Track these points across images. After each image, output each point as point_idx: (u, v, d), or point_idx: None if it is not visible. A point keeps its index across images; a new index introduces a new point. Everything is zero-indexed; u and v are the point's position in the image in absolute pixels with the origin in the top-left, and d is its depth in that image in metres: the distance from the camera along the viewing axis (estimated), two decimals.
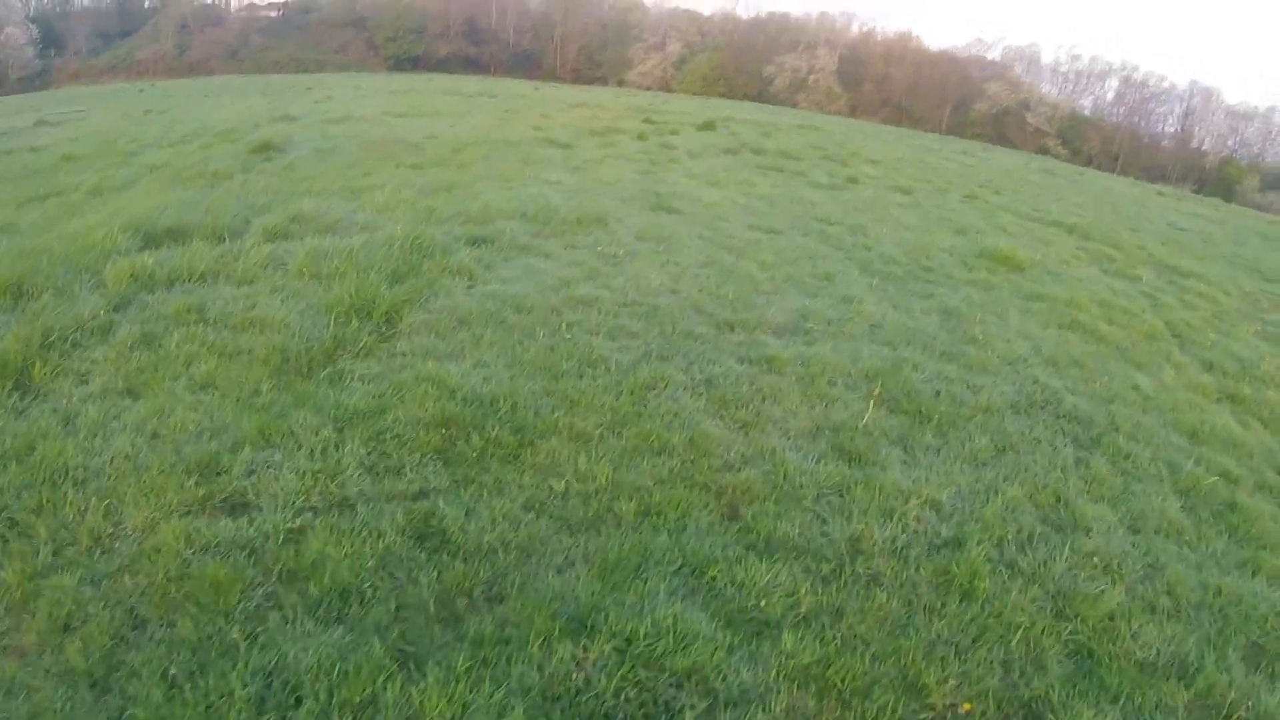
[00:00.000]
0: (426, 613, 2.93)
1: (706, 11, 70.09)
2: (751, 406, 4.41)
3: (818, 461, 4.01)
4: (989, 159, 30.57)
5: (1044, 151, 53.76)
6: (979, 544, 3.54)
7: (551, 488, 3.61)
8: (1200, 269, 11.35)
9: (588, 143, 14.27)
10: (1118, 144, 60.64)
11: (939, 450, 4.37)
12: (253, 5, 43.57)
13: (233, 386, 4.27)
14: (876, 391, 4.80)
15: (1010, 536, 3.70)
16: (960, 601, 3.18)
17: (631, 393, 4.38)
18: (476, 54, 51.65)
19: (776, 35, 62.62)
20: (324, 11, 45.92)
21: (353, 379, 4.37)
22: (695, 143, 16.31)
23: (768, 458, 3.98)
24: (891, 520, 3.58)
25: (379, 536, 3.26)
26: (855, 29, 69.91)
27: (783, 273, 6.97)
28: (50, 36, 35.80)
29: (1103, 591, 3.43)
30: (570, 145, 13.50)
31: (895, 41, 67.42)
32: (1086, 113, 65.81)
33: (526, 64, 54.41)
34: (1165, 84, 65.71)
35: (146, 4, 39.44)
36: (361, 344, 4.73)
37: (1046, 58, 70.94)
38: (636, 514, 3.46)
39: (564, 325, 5.15)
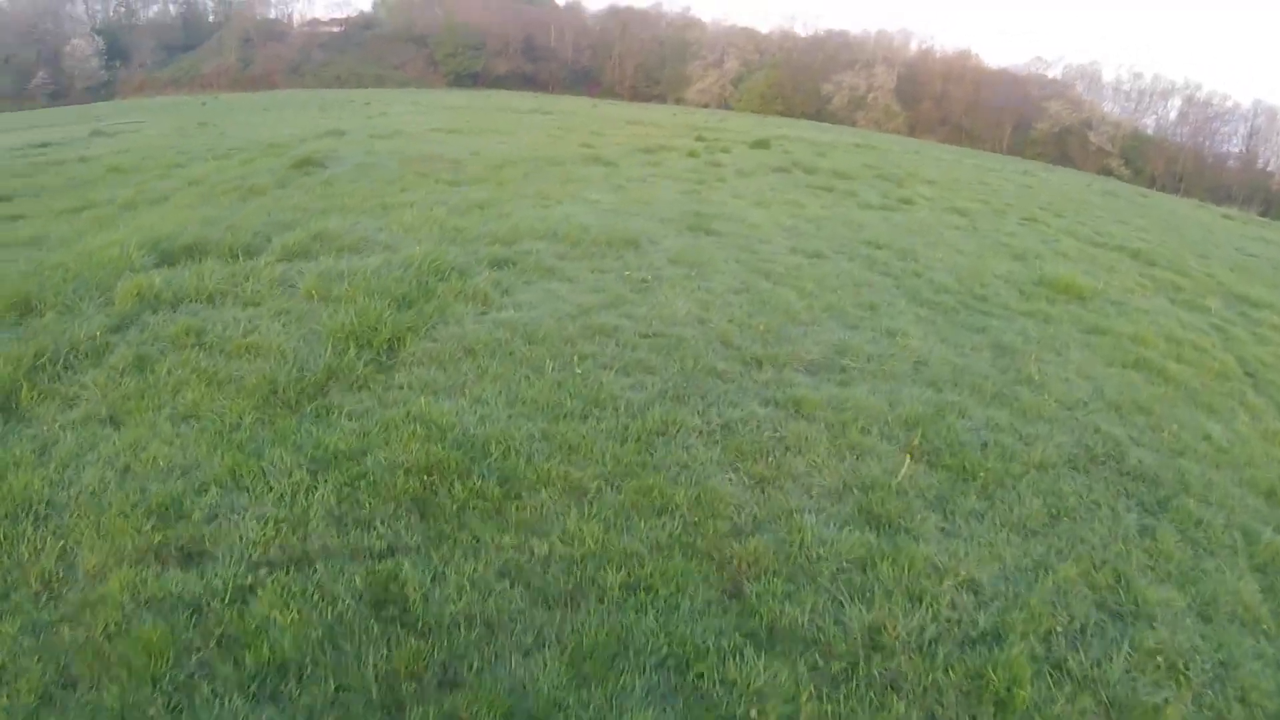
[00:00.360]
0: (368, 698, 2.60)
1: (765, 29, 70.01)
2: (771, 458, 3.98)
3: (841, 528, 3.55)
4: (1049, 180, 29.34)
5: (1106, 172, 52.45)
6: (1022, 638, 3.04)
7: (533, 550, 3.25)
8: (1272, 298, 10.39)
9: (635, 161, 13.99)
10: (1181, 164, 58.67)
11: (983, 516, 3.85)
12: (315, 21, 45.07)
13: (215, 418, 4.05)
14: (916, 442, 4.31)
15: (1060, 628, 3.18)
16: (994, 715, 2.69)
17: (638, 439, 3.99)
18: (535, 71, 52.33)
19: (835, 53, 62.25)
20: (385, 28, 47.19)
21: (340, 414, 4.11)
22: (746, 161, 15.88)
23: (783, 521, 3.54)
24: (920, 605, 3.10)
25: (333, 602, 2.95)
26: (914, 47, 69.54)
27: (822, 302, 6.50)
28: (116, 48, 37.33)
29: (1166, 701, 2.89)
30: (616, 163, 13.23)
31: (954, 59, 66.90)
32: (1149, 132, 63.96)
33: (585, 81, 54.84)
34: (1229, 103, 63.55)
35: (211, 18, 41.00)
36: (356, 375, 4.47)
37: (1108, 76, 69.16)
38: (623, 587, 3.06)
39: (576, 358, 4.81)
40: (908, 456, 4.13)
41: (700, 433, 4.13)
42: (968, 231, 11.43)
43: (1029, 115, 59.90)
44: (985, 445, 4.48)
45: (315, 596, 3.01)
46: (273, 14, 41.42)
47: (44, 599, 3.07)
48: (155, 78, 35.97)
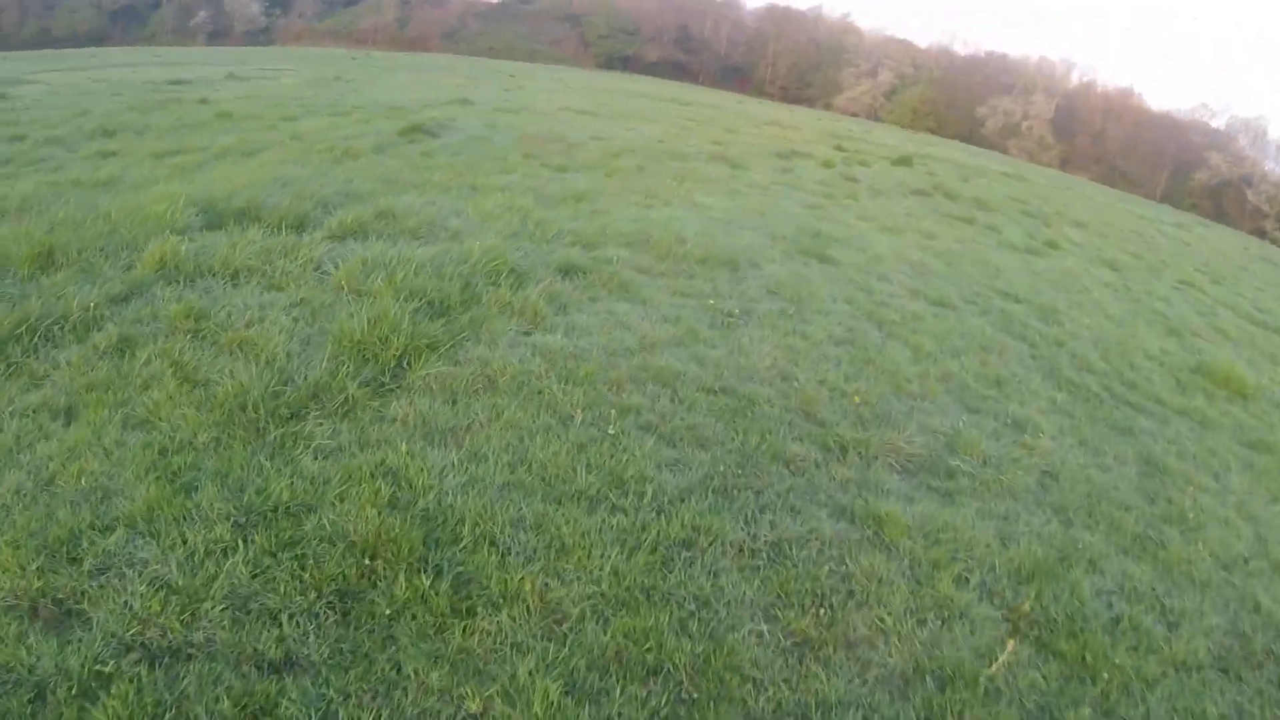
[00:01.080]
0: None
1: (923, 43, 67.77)
2: (825, 608, 2.93)
3: None
4: (1206, 236, 26.12)
5: (1260, 234, 47.90)
6: None
7: (460, 706, 2.40)
8: None
9: (764, 165, 12.85)
10: None
11: None
12: None
13: (166, 431, 3.45)
14: (1026, 607, 3.14)
15: None
16: None
17: (654, 549, 3.05)
18: (687, 61, 51.67)
19: (993, 75, 59.84)
20: (541, 4, 47.59)
21: (306, 449, 3.40)
22: (884, 179, 14.38)
23: None
24: None
25: None
26: (1075, 78, 66.10)
27: (940, 368, 5.29)
28: None
29: None
30: (744, 165, 12.15)
31: (1116, 96, 63.33)
32: None
33: (736, 76, 53.64)
34: None
35: None
36: (345, 398, 3.75)
37: (1274, 133, 63.16)
38: None
39: (615, 413, 3.90)
40: (1012, 635, 2.99)
41: (739, 551, 3.13)
42: (1118, 291, 9.74)
43: (1188, 163, 56.31)
44: (1117, 623, 3.26)
45: (169, 715, 2.31)
46: None
47: None
48: (314, 28, 37.73)
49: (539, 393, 4.03)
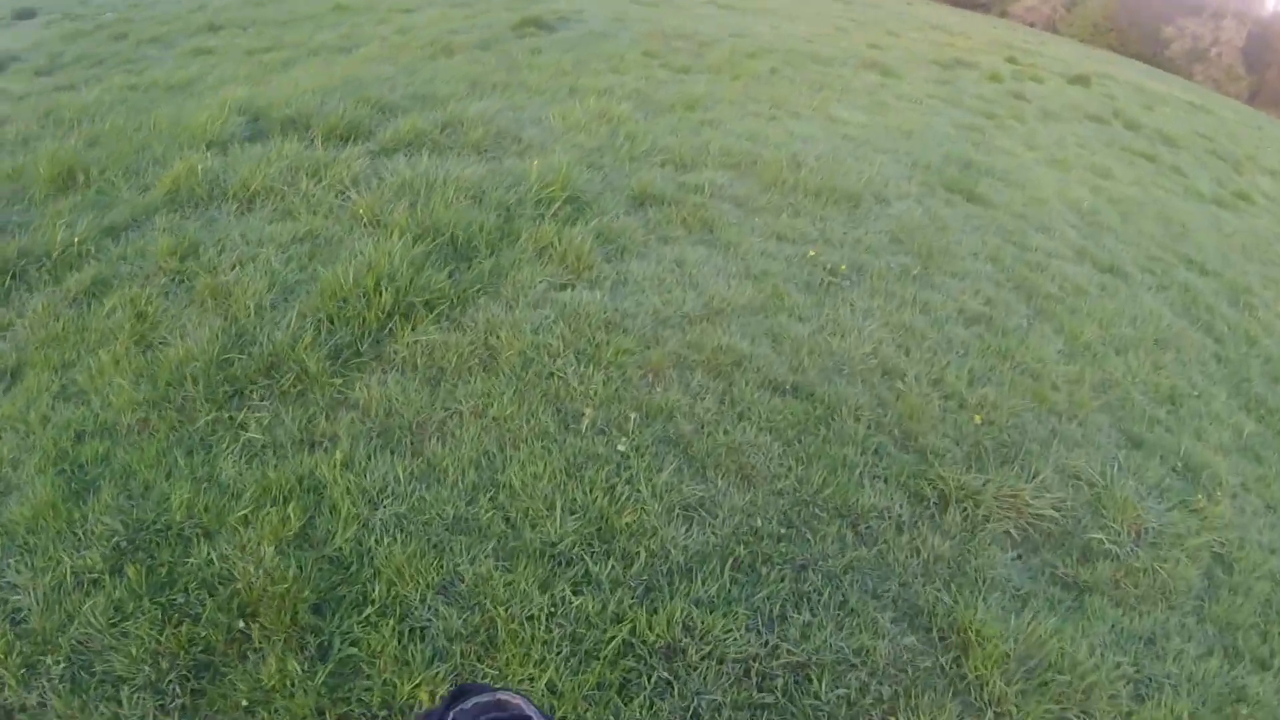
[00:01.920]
0: None
1: None
2: None
3: None
4: None
5: None
6: None
7: None
8: None
9: (920, 74, 10.87)
10: None
11: None
12: None
13: (95, 406, 2.94)
14: None
15: None
16: None
17: (615, 662, 2.15)
18: None
19: None
20: None
21: (232, 448, 2.77)
22: (1056, 100, 11.82)
23: None
24: None
25: None
26: (1271, 3, 56.50)
27: (1099, 371, 3.91)
28: None
29: None
30: (897, 74, 10.31)
31: None
32: None
33: None
34: None
35: None
36: (301, 371, 3.08)
37: None
38: None
39: (634, 420, 2.97)
40: None
41: (743, 675, 2.16)
42: None
43: None
44: None
45: None
46: None
47: None
48: None
49: (547, 376, 3.17)
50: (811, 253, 4.35)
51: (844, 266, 4.28)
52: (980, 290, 4.42)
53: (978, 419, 3.23)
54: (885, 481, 2.85)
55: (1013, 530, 2.80)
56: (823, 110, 7.30)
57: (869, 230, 4.80)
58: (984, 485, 2.87)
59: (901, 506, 2.76)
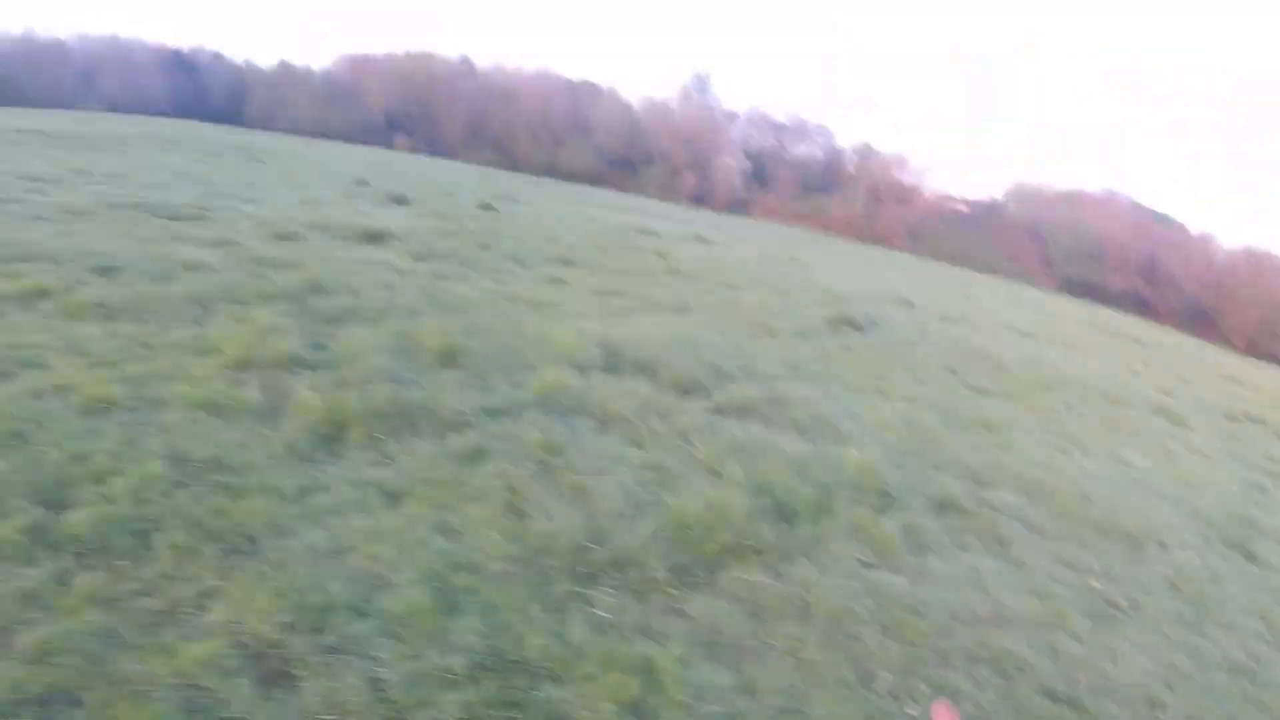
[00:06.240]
0: None
1: None
2: None
3: None
4: None
5: None
6: None
7: None
8: None
9: (1209, 426, 10.86)
10: None
11: None
12: (946, 196, 48.40)
13: (467, 546, 3.82)
14: None
15: None
16: None
17: None
18: (1150, 296, 47.28)
19: None
20: (1007, 218, 48.05)
21: (582, 616, 3.47)
22: None
23: None
24: None
25: None
26: None
27: None
28: (760, 174, 45.32)
29: None
30: (1184, 423, 10.47)
31: None
32: None
33: (1200, 320, 46.95)
34: None
35: (851, 169, 47.24)
36: (647, 577, 3.80)
37: None
38: None
39: (924, 690, 3.33)
40: None
41: None
42: None
43: None
44: None
45: None
46: (906, 179, 46.59)
47: None
48: (787, 207, 42.42)
49: (851, 638, 3.66)
50: (1094, 583, 4.79)
51: (1123, 602, 4.65)
52: (1246, 644, 4.58)
53: None
54: None
55: None
56: (1111, 450, 7.79)
57: (1147, 571, 5.18)
58: None
59: None
